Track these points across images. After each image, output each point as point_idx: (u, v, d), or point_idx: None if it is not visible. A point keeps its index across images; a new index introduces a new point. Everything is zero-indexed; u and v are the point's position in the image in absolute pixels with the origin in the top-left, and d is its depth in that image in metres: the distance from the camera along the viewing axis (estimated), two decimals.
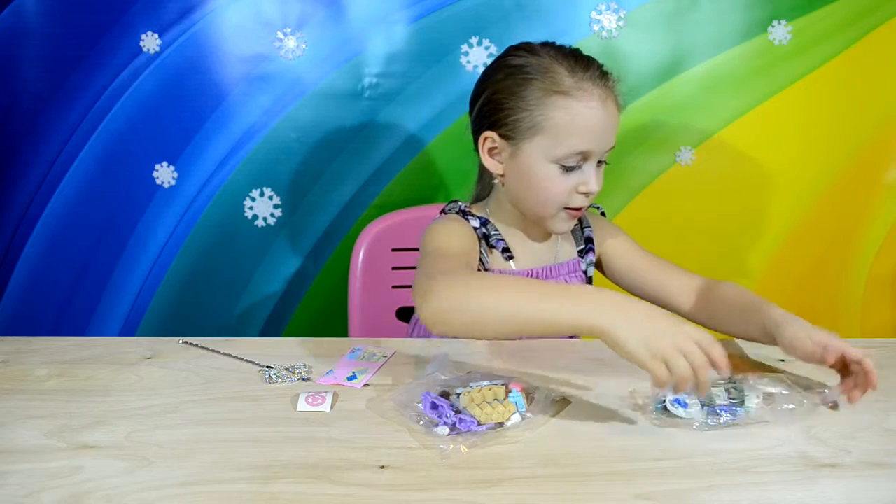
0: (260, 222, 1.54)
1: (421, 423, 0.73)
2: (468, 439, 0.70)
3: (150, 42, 1.44)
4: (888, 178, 1.56)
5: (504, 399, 0.75)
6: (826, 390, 0.80)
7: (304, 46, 1.45)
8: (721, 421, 0.73)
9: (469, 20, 1.45)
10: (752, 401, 0.76)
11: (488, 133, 0.95)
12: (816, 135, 1.53)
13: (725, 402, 0.76)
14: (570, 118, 0.90)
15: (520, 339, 0.94)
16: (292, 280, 1.57)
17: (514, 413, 0.73)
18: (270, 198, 1.52)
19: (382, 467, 0.65)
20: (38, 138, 1.49)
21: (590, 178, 0.93)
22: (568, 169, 0.92)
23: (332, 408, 0.77)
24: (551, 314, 0.72)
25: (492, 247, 1.00)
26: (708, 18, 1.46)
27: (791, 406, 0.76)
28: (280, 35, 1.44)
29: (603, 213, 1.14)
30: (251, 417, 0.75)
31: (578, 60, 0.92)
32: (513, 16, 1.44)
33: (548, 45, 0.95)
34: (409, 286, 0.89)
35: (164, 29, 1.44)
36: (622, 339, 0.67)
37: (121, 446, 0.69)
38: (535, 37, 0.98)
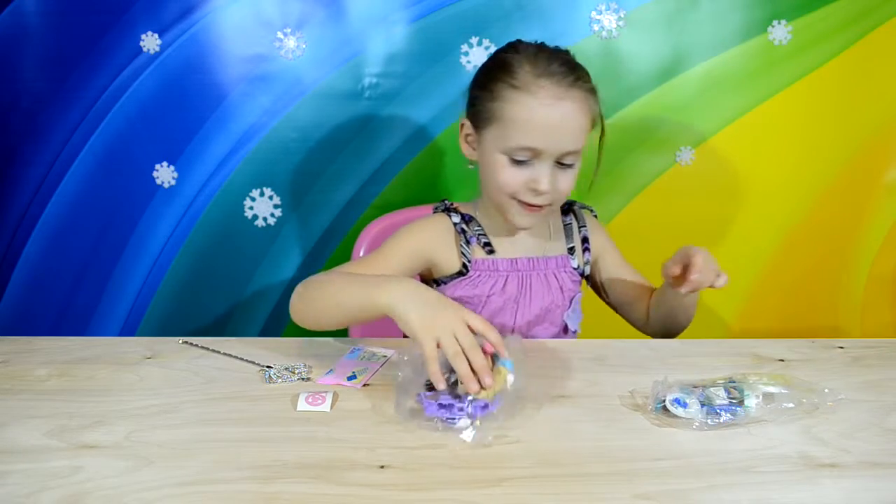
0: (260, 222, 1.54)
1: (440, 426, 0.72)
2: (490, 424, 0.71)
3: (150, 42, 1.44)
4: (888, 178, 1.56)
5: (493, 367, 0.75)
6: (827, 390, 0.80)
7: (304, 46, 1.45)
8: (721, 421, 0.73)
9: (469, 20, 1.44)
10: (752, 400, 0.76)
11: (464, 120, 1.00)
12: (816, 135, 1.52)
13: (725, 402, 0.76)
14: (521, 113, 0.91)
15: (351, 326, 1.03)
16: (292, 280, 1.57)
17: (508, 374, 0.74)
18: (270, 198, 1.52)
19: (382, 467, 0.65)
20: (38, 138, 1.49)
21: (540, 176, 0.93)
22: (518, 162, 0.93)
23: (332, 408, 0.77)
24: (361, 299, 0.83)
25: (468, 241, 1.02)
26: (708, 18, 1.46)
27: (791, 406, 0.76)
28: (280, 35, 1.44)
29: (595, 216, 1.14)
30: (251, 417, 0.75)
31: (548, 59, 0.92)
32: (513, 16, 1.44)
33: (532, 44, 0.96)
34: None
35: (164, 29, 1.44)
36: (406, 314, 0.76)
37: (121, 446, 0.69)
38: (535, 37, 0.98)
